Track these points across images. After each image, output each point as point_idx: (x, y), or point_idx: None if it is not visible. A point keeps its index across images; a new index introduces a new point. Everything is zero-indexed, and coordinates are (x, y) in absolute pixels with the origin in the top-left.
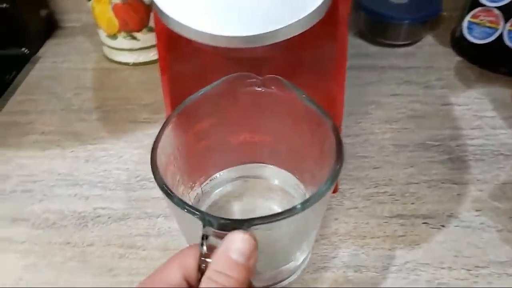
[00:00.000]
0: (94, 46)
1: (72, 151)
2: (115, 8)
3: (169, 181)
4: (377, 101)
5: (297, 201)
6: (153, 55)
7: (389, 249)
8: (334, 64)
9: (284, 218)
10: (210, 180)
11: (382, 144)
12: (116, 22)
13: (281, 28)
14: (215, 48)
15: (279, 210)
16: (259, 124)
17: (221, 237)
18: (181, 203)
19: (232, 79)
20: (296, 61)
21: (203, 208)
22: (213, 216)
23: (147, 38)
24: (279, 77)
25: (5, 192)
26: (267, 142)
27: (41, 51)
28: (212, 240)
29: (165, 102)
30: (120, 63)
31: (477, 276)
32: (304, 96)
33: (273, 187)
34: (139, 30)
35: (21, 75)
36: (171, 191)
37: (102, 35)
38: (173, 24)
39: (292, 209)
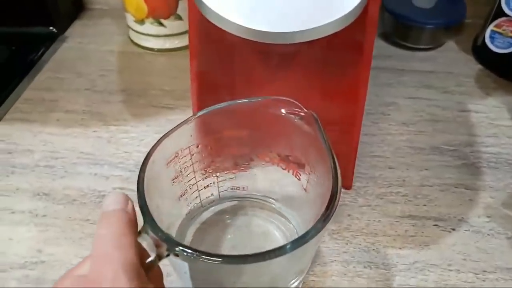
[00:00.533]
0: (120, 29)
1: (94, 131)
2: None
3: (169, 173)
4: (396, 103)
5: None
6: (178, 42)
7: (399, 248)
8: (359, 63)
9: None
10: (226, 190)
11: (398, 145)
12: (145, 7)
13: (316, 27)
14: (246, 40)
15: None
16: (287, 152)
17: (157, 244)
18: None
19: (276, 101)
20: (322, 57)
21: (207, 213)
22: (151, 220)
23: (174, 25)
24: (316, 116)
25: (28, 166)
26: (292, 171)
27: (68, 31)
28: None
29: (191, 88)
30: (145, 48)
31: (484, 281)
32: (327, 145)
33: (277, 214)
34: (166, 17)
35: (48, 53)
36: (141, 185)
37: (130, 19)
38: (208, 13)
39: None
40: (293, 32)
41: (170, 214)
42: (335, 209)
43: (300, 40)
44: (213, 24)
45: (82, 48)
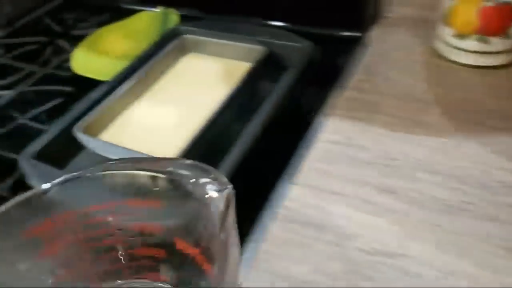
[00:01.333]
0: (420, 39)
1: (421, 139)
2: (483, 11)
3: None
4: None
5: None
6: (493, 61)
7: None
8: None
9: None
10: None
11: None
12: (476, 23)
13: None
14: None
15: None
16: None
17: None
18: None
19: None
20: None
21: None
22: None
23: (499, 43)
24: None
25: (365, 161)
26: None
27: (369, 37)
28: None
29: None
30: (456, 62)
31: None
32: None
33: None
34: (495, 35)
35: (357, 56)
36: None
37: (446, 32)
38: None
39: None
40: None
41: None
42: None
43: None
44: None
45: (385, 54)
